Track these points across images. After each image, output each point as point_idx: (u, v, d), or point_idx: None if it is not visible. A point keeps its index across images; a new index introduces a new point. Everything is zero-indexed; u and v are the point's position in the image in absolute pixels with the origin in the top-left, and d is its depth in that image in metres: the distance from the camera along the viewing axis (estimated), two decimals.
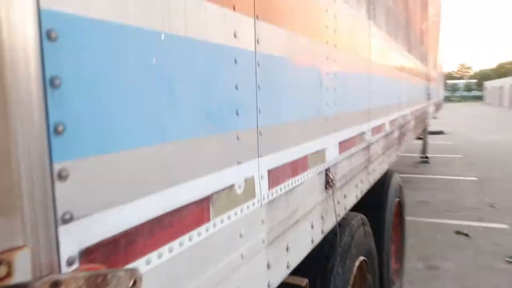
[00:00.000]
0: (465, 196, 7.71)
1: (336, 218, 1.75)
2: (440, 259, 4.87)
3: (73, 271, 0.60)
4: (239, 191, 1.05)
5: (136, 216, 0.71)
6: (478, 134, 17.80)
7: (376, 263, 2.86)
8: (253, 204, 1.12)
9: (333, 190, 1.75)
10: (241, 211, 1.06)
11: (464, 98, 75.90)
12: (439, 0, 9.89)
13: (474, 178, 9.18)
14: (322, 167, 1.66)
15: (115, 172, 0.67)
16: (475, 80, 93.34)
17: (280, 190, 1.29)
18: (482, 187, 8.41)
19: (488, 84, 64.59)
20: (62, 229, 0.58)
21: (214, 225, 0.94)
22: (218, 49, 0.95)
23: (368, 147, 2.45)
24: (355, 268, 2.19)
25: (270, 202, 1.22)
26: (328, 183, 1.72)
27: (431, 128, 20.37)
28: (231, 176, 1.01)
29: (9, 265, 0.52)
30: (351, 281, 2.10)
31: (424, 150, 11.23)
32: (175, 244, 0.81)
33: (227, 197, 1.00)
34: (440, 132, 18.52)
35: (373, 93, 2.47)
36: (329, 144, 1.73)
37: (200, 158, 0.89)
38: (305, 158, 1.47)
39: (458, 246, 5.29)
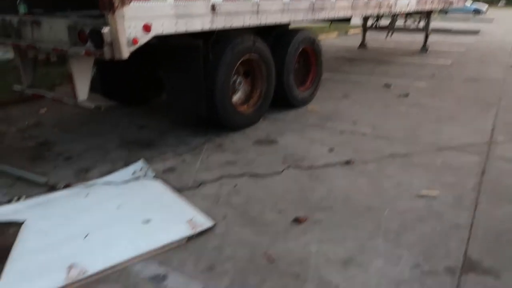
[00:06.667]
0: (420, 71, 10.09)
1: (216, 25, 4.86)
2: (354, 95, 7.78)
3: None
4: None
5: None
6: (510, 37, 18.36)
7: (272, 68, 5.97)
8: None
9: (216, 13, 4.84)
10: None
11: None
12: None
13: (449, 62, 11.30)
14: (210, 2, 4.73)
15: None
16: None
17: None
18: (447, 68, 10.61)
19: None
20: None
21: None
22: None
23: (256, 3, 5.39)
24: (242, 57, 5.36)
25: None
26: (213, 9, 4.80)
27: (470, 27, 20.98)
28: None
29: None
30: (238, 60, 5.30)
31: (425, 41, 13.21)
32: None
33: None
34: (476, 32, 19.39)
35: None
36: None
37: None
38: None
39: (380, 91, 8.07)
